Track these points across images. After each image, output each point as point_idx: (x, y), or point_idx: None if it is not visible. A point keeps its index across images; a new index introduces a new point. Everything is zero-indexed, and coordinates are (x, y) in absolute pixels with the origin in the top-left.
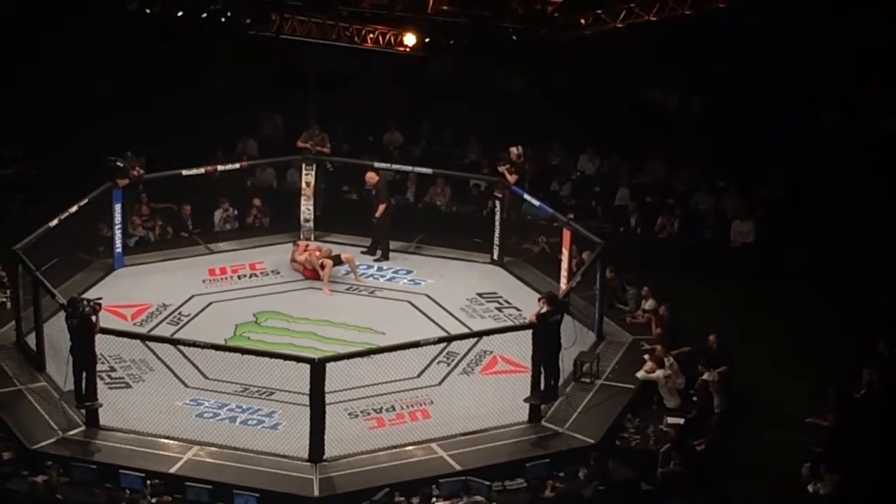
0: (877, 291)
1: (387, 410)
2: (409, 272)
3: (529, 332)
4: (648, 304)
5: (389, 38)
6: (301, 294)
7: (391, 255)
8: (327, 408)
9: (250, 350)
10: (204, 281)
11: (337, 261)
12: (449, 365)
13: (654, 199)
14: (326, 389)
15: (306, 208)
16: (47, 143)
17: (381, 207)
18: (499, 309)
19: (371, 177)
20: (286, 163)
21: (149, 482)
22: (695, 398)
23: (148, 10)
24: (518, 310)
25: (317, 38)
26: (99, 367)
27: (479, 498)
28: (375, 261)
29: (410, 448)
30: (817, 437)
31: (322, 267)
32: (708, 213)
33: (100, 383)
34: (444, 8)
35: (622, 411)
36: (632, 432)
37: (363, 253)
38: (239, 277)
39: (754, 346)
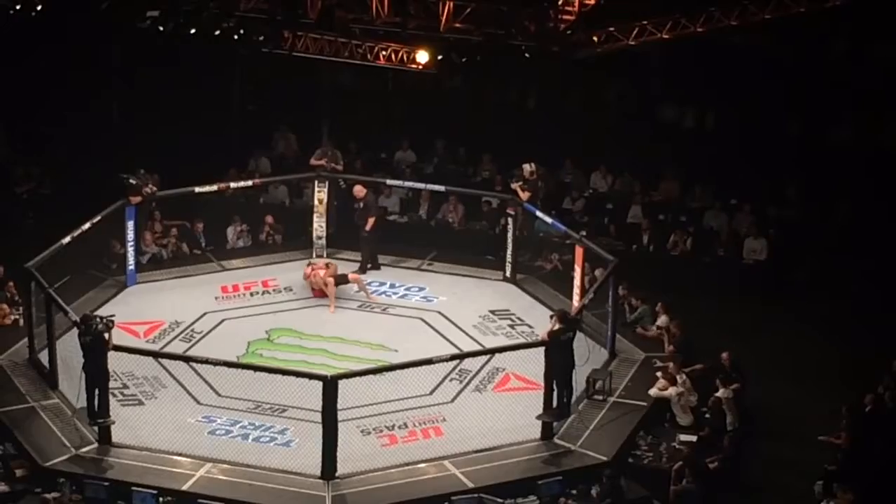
0: (890, 308)
1: (399, 428)
2: (421, 289)
3: (542, 349)
4: (661, 321)
5: (402, 55)
6: (313, 311)
7: (382, 266)
8: (340, 425)
9: (263, 367)
10: (216, 298)
11: (342, 280)
12: (461, 382)
13: (666, 216)
14: (339, 406)
15: (319, 226)
16: (60, 161)
17: (371, 221)
18: (511, 326)
19: (359, 190)
20: (299, 180)
21: (161, 499)
22: (707, 415)
23: (161, 28)
24: (530, 327)
25: (329, 55)
26: (111, 384)
27: None
28: (367, 269)
29: (423, 465)
30: (830, 455)
31: (325, 286)
32: (721, 231)
33: (112, 400)
34: (457, 25)
35: (635, 429)
36: (644, 450)
37: (353, 272)
38: (251, 294)
39: (767, 364)
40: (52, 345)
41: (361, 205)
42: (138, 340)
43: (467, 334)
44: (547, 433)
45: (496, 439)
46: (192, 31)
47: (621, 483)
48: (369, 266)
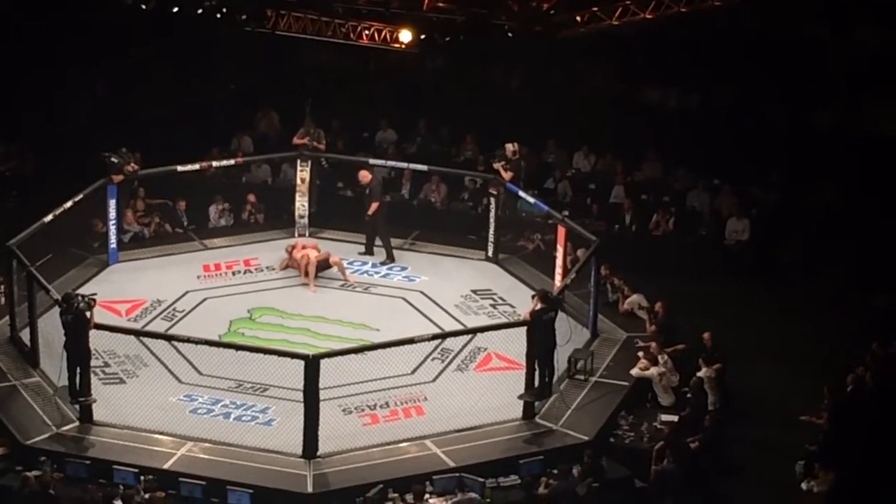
0: (872, 290)
1: (381, 407)
2: (403, 269)
3: (524, 329)
4: (631, 300)
5: (385, 34)
6: (295, 290)
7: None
8: (321, 404)
9: (244, 346)
10: (198, 277)
11: (325, 264)
12: (443, 362)
13: (649, 196)
14: (320, 386)
15: (301, 205)
16: (43, 140)
17: (374, 206)
18: (493, 306)
19: (364, 175)
20: (281, 159)
21: (142, 478)
22: (689, 396)
23: (144, 6)
24: (512, 307)
25: (312, 34)
26: (93, 362)
27: (472, 495)
28: (381, 263)
29: (404, 444)
30: (811, 436)
31: (307, 265)
32: (703, 212)
33: (94, 379)
34: (440, 5)
35: (616, 409)
36: (626, 430)
37: (360, 254)
38: (233, 273)
39: (749, 344)
40: (33, 323)
41: (368, 190)
42: (120, 319)
43: (449, 314)
44: (528, 413)
45: (478, 419)
46: (175, 9)
47: (602, 463)
48: (374, 255)
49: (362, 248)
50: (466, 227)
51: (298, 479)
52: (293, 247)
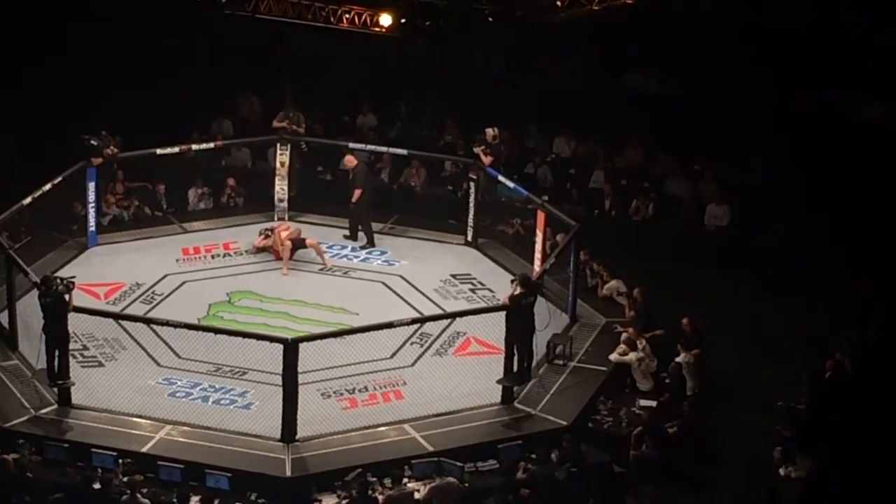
0: (851, 276)
1: (360, 391)
2: (383, 253)
3: (503, 313)
4: (610, 286)
5: (365, 18)
6: (274, 274)
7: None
8: (300, 388)
9: (223, 330)
10: (177, 260)
11: (300, 244)
12: (422, 346)
13: (629, 182)
14: (299, 370)
15: (280, 188)
16: (22, 122)
17: (357, 193)
18: (472, 290)
19: (349, 160)
20: (261, 143)
21: (121, 461)
22: (668, 381)
23: None
24: (492, 291)
25: (292, 18)
26: (72, 345)
27: (451, 479)
28: (362, 248)
29: (383, 429)
30: (790, 421)
31: (282, 246)
32: (683, 197)
33: (72, 362)
34: None
35: (595, 394)
36: (604, 415)
37: (345, 237)
38: (213, 257)
39: (728, 330)
40: (12, 306)
41: (351, 175)
42: (99, 302)
43: (428, 298)
44: (507, 397)
45: (456, 403)
46: None
47: (581, 448)
48: (362, 241)
49: (343, 233)
50: (446, 212)
51: (277, 462)
52: (270, 231)
